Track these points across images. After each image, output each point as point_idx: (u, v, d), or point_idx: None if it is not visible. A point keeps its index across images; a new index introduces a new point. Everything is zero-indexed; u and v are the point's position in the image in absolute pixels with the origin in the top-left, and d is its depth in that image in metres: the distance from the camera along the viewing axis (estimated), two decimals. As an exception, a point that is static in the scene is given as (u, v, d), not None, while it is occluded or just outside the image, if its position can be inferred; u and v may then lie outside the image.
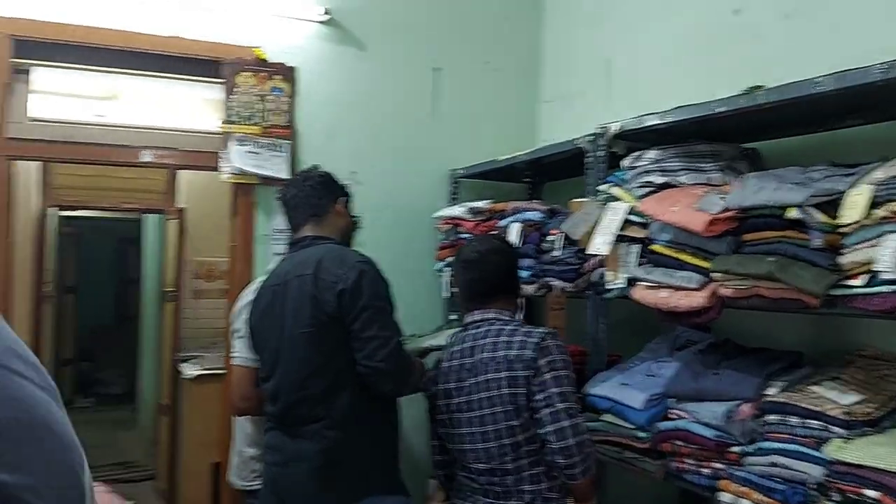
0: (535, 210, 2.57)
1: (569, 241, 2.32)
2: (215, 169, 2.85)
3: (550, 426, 1.84)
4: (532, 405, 1.87)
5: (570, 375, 1.92)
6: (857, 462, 1.44)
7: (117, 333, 8.22)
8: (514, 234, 2.54)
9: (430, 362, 2.21)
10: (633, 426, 1.99)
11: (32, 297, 4.63)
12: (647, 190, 2.03)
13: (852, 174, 1.55)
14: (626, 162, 2.13)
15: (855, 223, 1.44)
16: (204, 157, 2.88)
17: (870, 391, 1.63)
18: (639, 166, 2.08)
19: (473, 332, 2.04)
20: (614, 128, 2.18)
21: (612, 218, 2.07)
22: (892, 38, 1.80)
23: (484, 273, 2.07)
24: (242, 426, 2.46)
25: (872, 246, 1.42)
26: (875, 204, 1.42)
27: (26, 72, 2.69)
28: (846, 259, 1.47)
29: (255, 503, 2.24)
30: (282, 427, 2.05)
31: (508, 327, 1.98)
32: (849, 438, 1.50)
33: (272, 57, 2.91)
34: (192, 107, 2.93)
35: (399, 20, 3.17)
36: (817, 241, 1.49)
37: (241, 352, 2.26)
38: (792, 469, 1.58)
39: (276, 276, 2.13)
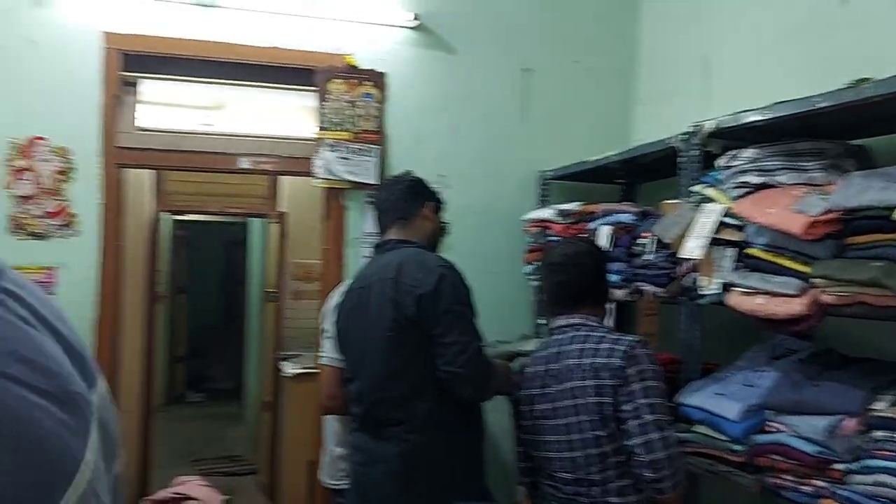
0: (626, 212, 2.50)
1: (661, 245, 2.24)
2: (310, 174, 2.93)
3: (638, 438, 1.78)
4: (619, 416, 1.81)
5: (660, 385, 1.85)
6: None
7: (226, 332, 8.58)
8: (603, 237, 2.48)
9: (516, 367, 2.18)
10: (727, 438, 1.89)
11: (146, 298, 4.89)
12: (744, 191, 1.92)
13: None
14: (721, 161, 2.03)
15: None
16: (299, 162, 2.96)
17: None
18: (735, 166, 1.97)
19: (559, 337, 1.99)
20: (709, 125, 2.08)
21: (706, 220, 1.98)
22: None
23: (571, 277, 2.03)
24: (331, 425, 2.51)
25: None
26: None
27: (134, 84, 2.85)
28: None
29: (343, 502, 2.28)
30: (365, 428, 2.07)
31: (595, 334, 1.93)
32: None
33: (363, 63, 2.97)
34: (289, 114, 3.03)
35: (489, 23, 3.16)
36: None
37: (328, 352, 2.30)
38: (901, 490, 1.46)
39: (361, 278, 2.16)
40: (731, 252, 1.93)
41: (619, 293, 2.38)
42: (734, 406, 1.89)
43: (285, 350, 4.69)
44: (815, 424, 1.66)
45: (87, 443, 0.51)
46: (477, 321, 2.03)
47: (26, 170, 2.66)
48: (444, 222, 2.33)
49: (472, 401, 2.06)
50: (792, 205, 1.69)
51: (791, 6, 2.40)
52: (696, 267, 2.04)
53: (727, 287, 1.91)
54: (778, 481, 1.77)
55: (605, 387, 1.82)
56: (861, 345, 1.96)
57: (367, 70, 2.97)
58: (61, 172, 2.70)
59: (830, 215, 1.58)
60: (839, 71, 1.77)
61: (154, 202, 5.26)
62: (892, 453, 1.49)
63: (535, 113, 3.21)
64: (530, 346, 2.30)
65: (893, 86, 1.50)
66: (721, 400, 1.95)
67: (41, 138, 2.67)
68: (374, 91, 2.97)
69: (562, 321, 2.02)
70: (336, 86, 2.91)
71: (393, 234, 2.19)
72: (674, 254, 2.11)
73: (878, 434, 1.54)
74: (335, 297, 2.35)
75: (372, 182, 2.87)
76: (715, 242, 1.95)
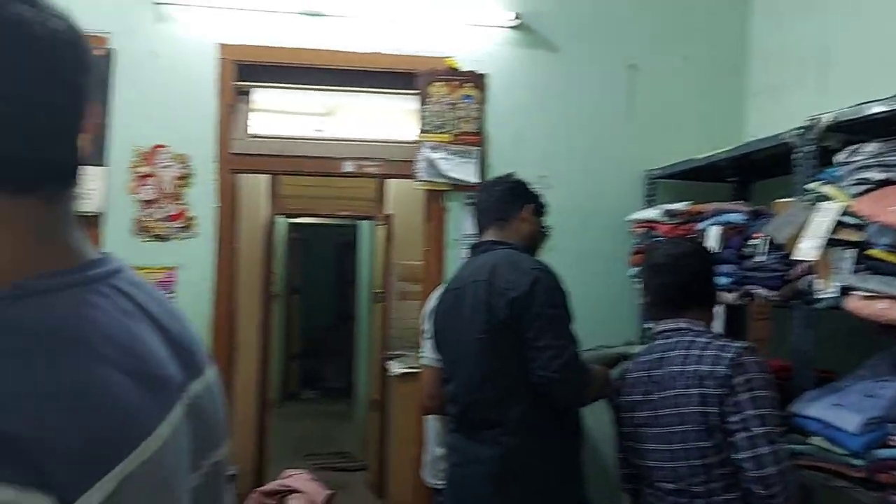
0: (736, 211, 2.38)
1: (774, 246, 2.12)
2: (412, 177, 2.97)
3: (747, 452, 1.69)
4: (726, 427, 1.72)
5: (771, 396, 1.75)
6: None
7: (337, 331, 8.83)
8: (712, 238, 2.37)
9: (616, 372, 2.13)
10: (846, 452, 1.76)
11: (262, 297, 5.10)
12: (864, 188, 1.79)
13: None
14: (839, 157, 1.90)
15: None
16: (401, 165, 3.01)
17: None
18: (855, 161, 1.84)
19: (662, 342, 1.92)
20: (826, 119, 1.95)
21: (822, 219, 1.85)
22: None
23: (675, 278, 1.95)
24: (433, 425, 2.53)
25: None
26: None
27: (247, 93, 2.99)
28: None
29: (442, 501, 2.29)
30: (461, 429, 2.08)
31: (701, 339, 1.85)
32: None
33: (463, 65, 2.98)
34: (392, 118, 3.09)
35: (591, 20, 3.10)
36: None
37: (428, 352, 2.32)
38: None
39: (457, 279, 2.17)
40: (850, 253, 1.80)
41: (728, 296, 2.27)
42: (854, 418, 1.76)
43: (392, 350, 4.77)
44: (946, 441, 1.53)
45: (166, 419, 0.59)
46: (573, 325, 1.99)
47: (149, 176, 2.84)
48: (544, 226, 2.30)
49: (566, 406, 2.02)
50: (918, 202, 1.56)
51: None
52: (811, 269, 1.91)
53: (845, 291, 1.79)
54: (903, 501, 1.63)
55: (711, 396, 1.73)
56: None
57: (468, 72, 2.98)
58: (181, 178, 2.86)
59: (963, 213, 1.45)
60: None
61: (269, 206, 5.49)
62: None
63: (641, 110, 3.12)
64: (633, 351, 2.23)
65: None
66: (839, 411, 1.82)
67: (162, 146, 2.84)
68: (474, 92, 2.97)
69: (665, 325, 1.95)
70: (437, 88, 2.94)
71: (490, 236, 2.18)
72: (787, 255, 1.99)
73: None
74: (435, 298, 2.37)
75: (472, 183, 2.88)
76: (832, 243, 1.82)
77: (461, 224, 2.94)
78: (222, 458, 0.74)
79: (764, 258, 2.16)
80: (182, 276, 2.85)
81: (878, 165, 1.76)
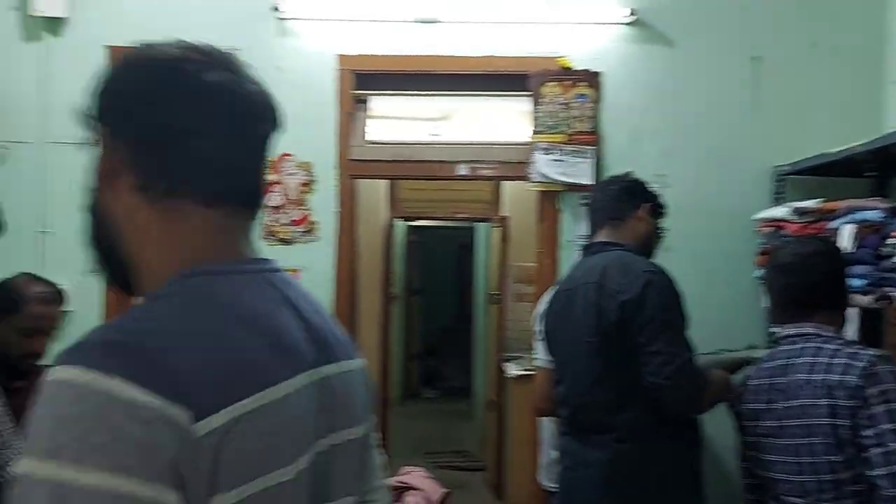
0: (873, 209, 2.22)
1: (915, 245, 1.97)
2: (525, 178, 2.97)
3: (882, 469, 1.58)
4: (858, 441, 1.61)
5: (911, 407, 1.62)
6: None
7: (456, 332, 8.93)
8: (845, 237, 2.23)
9: (739, 379, 2.03)
10: None
11: (382, 298, 5.25)
12: None
13: None
14: None
15: None
16: (515, 167, 3.02)
17: None
18: None
19: (787, 348, 1.82)
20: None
21: (971, 216, 1.70)
22: None
23: (803, 280, 1.84)
24: (548, 428, 2.52)
25: None
26: None
27: (365, 101, 3.09)
28: None
29: (556, 504, 2.27)
30: (572, 432, 2.06)
31: (829, 346, 1.73)
32: None
33: (577, 64, 2.95)
34: (506, 120, 3.10)
35: (710, 11, 2.99)
36: None
37: (541, 354, 2.31)
38: None
39: (569, 280, 2.14)
40: None
41: (862, 299, 2.13)
42: None
43: (508, 351, 4.78)
44: None
45: (288, 380, 0.73)
46: (687, 330, 1.92)
47: (276, 183, 2.98)
48: (660, 227, 2.23)
49: (678, 413, 1.95)
50: None
51: None
52: (958, 270, 1.76)
53: None
54: None
55: (841, 408, 1.63)
56: None
57: (581, 71, 2.94)
58: (304, 185, 2.99)
59: None
60: None
61: (388, 210, 5.64)
62: None
63: (767, 103, 2.97)
64: (757, 356, 2.13)
65: None
66: None
67: (288, 155, 2.98)
68: (588, 91, 2.93)
69: (791, 330, 1.85)
70: (550, 89, 2.93)
71: (603, 236, 2.14)
72: (931, 255, 1.85)
73: None
74: (545, 300, 2.36)
75: (586, 184, 2.84)
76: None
77: (575, 225, 2.91)
78: (358, 437, 0.86)
79: (904, 258, 2.01)
80: (305, 278, 2.97)
81: None
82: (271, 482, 0.69)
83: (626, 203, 2.15)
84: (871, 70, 2.95)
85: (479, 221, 6.34)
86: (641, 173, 2.31)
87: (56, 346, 2.13)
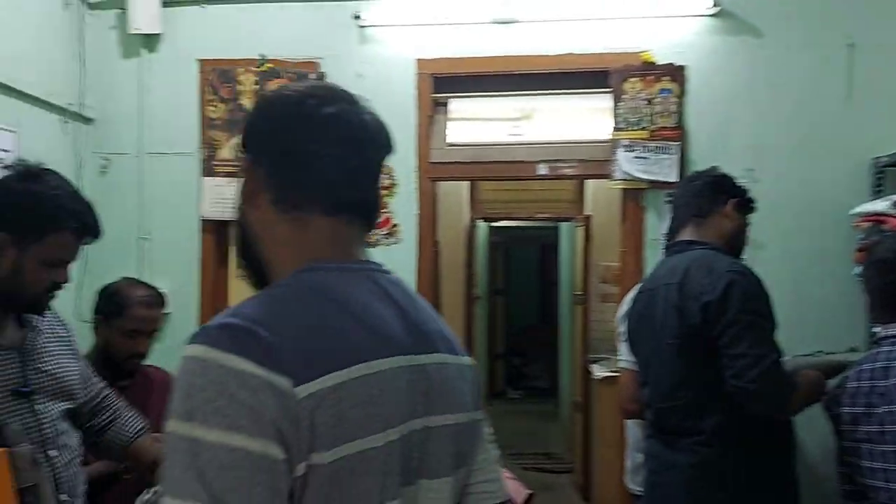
0: (982, 200, 2.09)
1: None
2: (607, 176, 2.93)
3: None
4: None
5: None
6: None
7: (541, 332, 8.89)
8: (952, 231, 2.10)
9: (835, 381, 1.95)
10: None
11: (464, 299, 5.28)
12: None
13: None
14: None
15: None
16: (596, 165, 2.98)
17: None
18: None
19: (888, 349, 1.74)
20: None
21: None
22: None
23: (905, 277, 1.75)
24: (633, 430, 2.48)
25: None
26: None
27: (445, 104, 3.11)
28: None
29: (642, 509, 2.23)
30: (657, 435, 2.01)
31: (934, 347, 1.65)
32: None
33: (660, 59, 2.88)
34: (586, 118, 3.06)
35: (800, -1, 2.87)
36: None
37: (625, 355, 2.27)
38: None
39: (651, 280, 2.10)
40: None
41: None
42: None
43: (594, 352, 4.72)
44: None
45: (380, 360, 0.83)
46: (776, 332, 1.84)
47: (358, 187, 3.04)
48: (748, 223, 2.15)
49: (765, 417, 1.87)
50: None
51: None
52: None
53: None
54: None
55: None
56: None
57: (665, 65, 2.88)
58: (387, 188, 3.04)
59: None
60: None
61: (469, 211, 5.66)
62: None
63: (864, 92, 2.82)
64: (855, 358, 2.03)
65: None
66: None
67: (371, 160, 3.03)
68: (671, 86, 2.87)
69: (893, 330, 1.76)
70: (631, 84, 2.87)
71: (686, 234, 2.07)
72: None
73: None
74: (628, 301, 2.32)
75: (671, 181, 2.78)
76: None
77: (660, 223, 2.84)
78: (456, 424, 0.93)
79: None
80: (388, 280, 3.02)
81: None
82: (363, 447, 0.79)
83: (711, 199, 2.08)
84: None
85: (562, 221, 6.30)
86: (729, 168, 2.23)
87: (157, 347, 2.24)
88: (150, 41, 3.15)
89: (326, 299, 0.85)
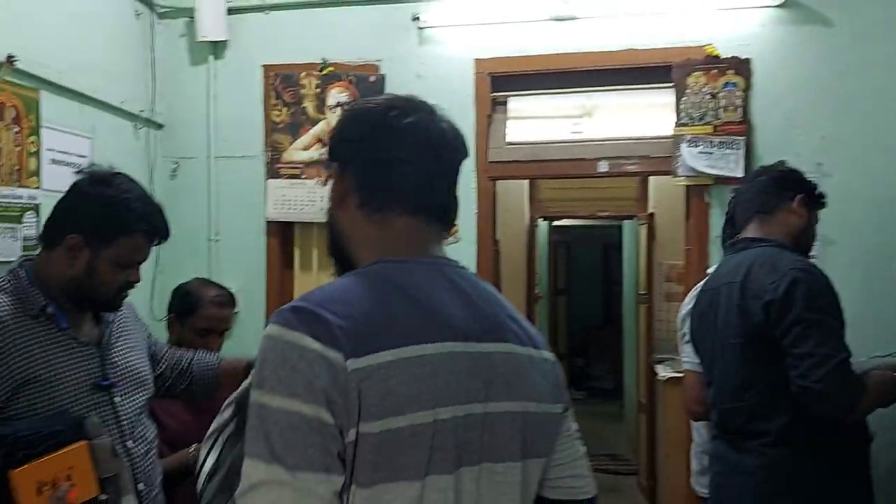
0: None
1: None
2: (670, 173, 2.88)
3: None
4: None
5: None
6: None
7: (604, 332, 8.78)
8: None
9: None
10: None
11: (526, 299, 5.26)
12: None
13: None
14: None
15: None
16: (659, 161, 2.93)
17: None
18: None
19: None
20: None
21: None
22: None
23: None
24: (699, 432, 2.43)
25: None
26: None
27: (504, 102, 3.11)
28: None
29: (707, 511, 2.18)
30: (723, 436, 1.96)
31: None
32: None
33: (724, 52, 2.82)
34: (647, 114, 3.02)
35: (873, -15, 2.76)
36: None
37: (689, 356, 2.23)
38: None
39: (714, 279, 2.05)
40: None
41: None
42: None
43: (658, 352, 4.64)
44: None
45: (433, 343, 0.89)
46: (843, 331, 1.77)
47: (419, 187, 3.07)
48: (816, 219, 2.08)
49: (831, 419, 1.80)
50: None
51: None
52: None
53: None
54: None
55: None
56: None
57: (729, 58, 2.81)
58: (449, 189, 3.05)
59: None
60: None
61: (529, 210, 5.63)
62: None
63: (946, 80, 2.70)
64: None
65: None
66: None
67: (429, 159, 3.06)
68: (737, 79, 2.80)
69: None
70: (695, 79, 2.82)
71: (749, 232, 2.01)
72: None
73: None
74: (689, 300, 2.27)
75: (737, 176, 2.71)
76: None
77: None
78: (523, 413, 0.96)
79: None
80: (450, 279, 3.03)
81: None
82: (410, 422, 0.85)
83: (777, 195, 2.02)
84: None
85: (625, 219, 6.20)
86: (797, 163, 2.18)
87: (227, 345, 2.31)
88: (216, 48, 3.25)
89: (388, 287, 0.92)
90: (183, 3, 3.22)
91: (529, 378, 0.98)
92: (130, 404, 1.63)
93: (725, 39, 2.83)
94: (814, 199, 2.05)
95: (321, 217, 3.15)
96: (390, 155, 0.98)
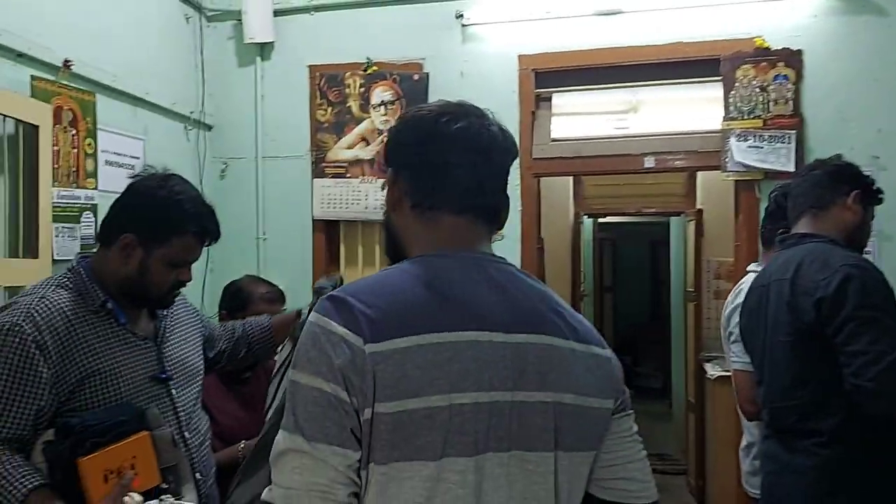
0: None
1: None
2: (719, 168, 2.83)
3: None
4: None
5: None
6: None
7: (651, 330, 8.66)
8: None
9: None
10: None
11: (571, 296, 5.22)
12: None
13: None
14: None
15: None
16: (707, 156, 2.90)
17: None
18: None
19: None
20: None
21: None
22: None
23: None
24: (750, 431, 2.39)
25: None
26: None
27: (549, 99, 3.09)
28: None
29: (758, 511, 2.14)
30: (775, 436, 1.92)
31: None
32: None
33: (774, 44, 2.76)
34: (694, 108, 2.97)
35: (932, -30, 2.67)
36: None
37: (738, 355, 2.19)
38: None
39: (764, 276, 2.00)
40: None
41: None
42: None
43: (707, 351, 4.57)
44: None
45: (455, 331, 0.92)
46: None
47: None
48: (872, 214, 2.01)
49: (885, 417, 1.74)
50: None
51: None
52: None
53: None
54: None
55: None
56: None
57: (779, 50, 2.76)
58: (490, 185, 3.05)
59: None
60: None
61: (573, 207, 5.59)
62: None
63: None
64: None
65: None
66: None
67: (473, 156, 3.06)
68: (787, 71, 2.74)
69: None
70: (744, 72, 2.77)
71: (801, 227, 1.96)
72: None
73: None
74: (732, 298, 2.23)
75: (788, 170, 2.65)
76: None
77: (775, 216, 2.72)
78: (557, 403, 0.97)
79: None
80: (493, 276, 3.03)
81: None
82: (424, 404, 0.90)
83: (832, 189, 1.96)
84: None
85: (672, 216, 6.11)
86: (851, 156, 2.11)
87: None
88: (263, 50, 3.30)
89: (417, 279, 0.97)
90: (231, 5, 3.28)
91: (569, 370, 0.99)
92: (186, 396, 1.68)
93: (775, 31, 2.78)
94: (870, 195, 1.99)
95: (365, 215, 3.25)
96: (441, 159, 1.02)
